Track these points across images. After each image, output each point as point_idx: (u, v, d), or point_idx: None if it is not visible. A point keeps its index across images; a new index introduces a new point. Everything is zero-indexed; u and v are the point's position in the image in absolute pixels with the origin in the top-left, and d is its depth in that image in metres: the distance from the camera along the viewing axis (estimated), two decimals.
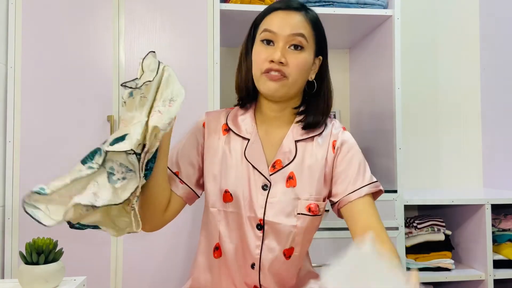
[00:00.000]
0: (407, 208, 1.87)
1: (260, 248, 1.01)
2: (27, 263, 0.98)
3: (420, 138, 2.29)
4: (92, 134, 1.54)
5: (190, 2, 1.61)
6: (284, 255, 1.04)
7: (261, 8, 1.68)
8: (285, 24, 1.00)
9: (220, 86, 1.61)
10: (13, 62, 1.52)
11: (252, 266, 1.03)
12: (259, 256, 1.02)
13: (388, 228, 1.68)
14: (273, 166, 1.03)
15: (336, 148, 1.05)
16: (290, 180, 1.02)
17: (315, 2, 1.76)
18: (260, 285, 1.04)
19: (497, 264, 1.81)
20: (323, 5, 1.76)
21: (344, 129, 1.10)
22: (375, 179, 1.05)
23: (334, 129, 1.08)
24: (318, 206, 1.03)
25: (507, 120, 2.13)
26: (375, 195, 1.05)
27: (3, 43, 1.53)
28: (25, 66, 1.53)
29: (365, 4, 1.77)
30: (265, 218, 1.00)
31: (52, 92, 1.53)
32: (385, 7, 1.79)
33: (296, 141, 1.05)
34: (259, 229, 1.01)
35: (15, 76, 1.52)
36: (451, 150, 2.31)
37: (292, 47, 1.00)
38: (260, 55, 1.00)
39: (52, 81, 1.54)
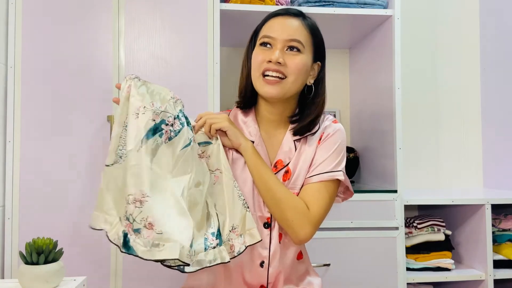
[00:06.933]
0: (407, 208, 1.87)
1: (268, 246, 1.05)
2: (27, 263, 0.98)
3: (420, 138, 2.29)
4: (92, 134, 1.54)
5: (190, 2, 1.61)
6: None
7: (261, 8, 1.69)
8: (283, 29, 1.04)
9: (220, 86, 1.61)
10: (13, 62, 1.52)
11: (261, 264, 1.05)
12: (268, 254, 1.05)
13: (388, 228, 1.69)
14: (275, 166, 1.08)
15: (321, 139, 1.09)
16: (286, 174, 1.07)
17: (315, 2, 1.76)
18: (267, 283, 1.06)
19: (497, 264, 1.80)
20: (323, 5, 1.76)
21: (335, 122, 1.13)
22: (338, 169, 1.06)
23: (326, 121, 1.12)
24: None
25: (507, 120, 2.12)
26: (341, 184, 1.10)
27: (3, 43, 1.53)
28: (25, 66, 1.53)
29: (365, 4, 1.77)
30: (272, 215, 1.05)
31: (52, 92, 1.53)
32: (385, 7, 1.79)
33: (295, 141, 1.10)
34: (266, 228, 1.05)
35: (15, 76, 1.52)
36: (451, 150, 2.31)
37: (289, 49, 1.04)
38: (258, 57, 1.05)
39: (52, 81, 1.53)
